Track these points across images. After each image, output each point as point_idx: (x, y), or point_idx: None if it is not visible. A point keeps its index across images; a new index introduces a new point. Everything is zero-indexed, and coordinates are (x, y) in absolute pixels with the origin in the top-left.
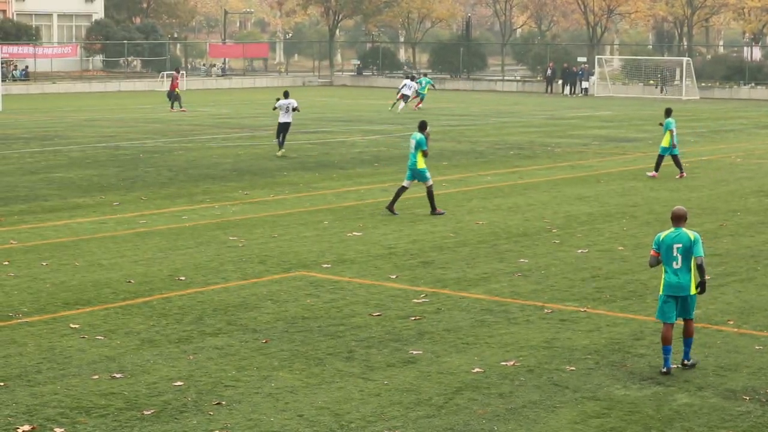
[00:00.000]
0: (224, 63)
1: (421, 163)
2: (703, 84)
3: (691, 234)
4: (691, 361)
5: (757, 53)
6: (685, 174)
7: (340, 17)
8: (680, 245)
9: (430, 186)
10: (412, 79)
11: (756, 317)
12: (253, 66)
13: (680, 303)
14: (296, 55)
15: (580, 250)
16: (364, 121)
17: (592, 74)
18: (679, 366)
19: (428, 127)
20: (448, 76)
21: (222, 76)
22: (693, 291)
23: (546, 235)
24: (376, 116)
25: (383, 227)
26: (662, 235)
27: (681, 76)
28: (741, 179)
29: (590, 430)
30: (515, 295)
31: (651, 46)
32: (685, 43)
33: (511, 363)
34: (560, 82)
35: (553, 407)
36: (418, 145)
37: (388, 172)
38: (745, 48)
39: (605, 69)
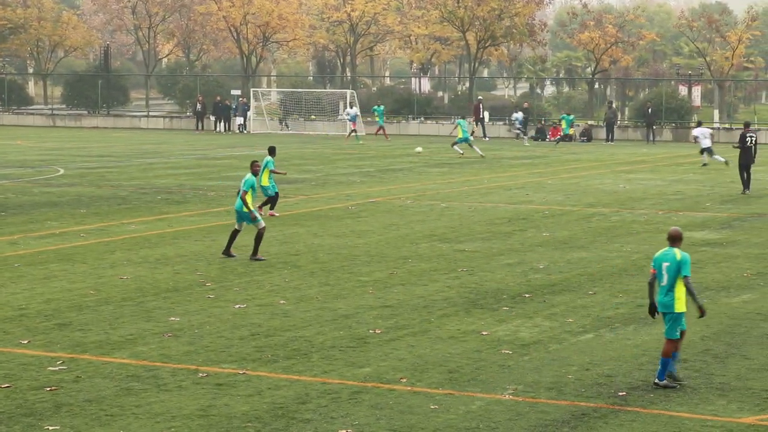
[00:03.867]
0: None
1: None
2: (368, 119)
3: (679, 254)
4: (663, 381)
5: (426, 85)
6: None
7: None
8: (668, 264)
9: (262, 228)
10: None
11: (430, 374)
12: None
13: (666, 319)
14: None
15: (237, 306)
16: None
17: (248, 108)
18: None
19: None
20: (86, 112)
21: None
22: (678, 309)
23: (199, 289)
24: (2, 158)
25: (12, 285)
26: (657, 254)
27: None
28: (412, 222)
29: None
30: (165, 359)
31: (312, 78)
32: (349, 74)
33: None
34: (212, 117)
35: None
36: (251, 185)
37: (16, 222)
38: (413, 79)
39: (262, 103)
